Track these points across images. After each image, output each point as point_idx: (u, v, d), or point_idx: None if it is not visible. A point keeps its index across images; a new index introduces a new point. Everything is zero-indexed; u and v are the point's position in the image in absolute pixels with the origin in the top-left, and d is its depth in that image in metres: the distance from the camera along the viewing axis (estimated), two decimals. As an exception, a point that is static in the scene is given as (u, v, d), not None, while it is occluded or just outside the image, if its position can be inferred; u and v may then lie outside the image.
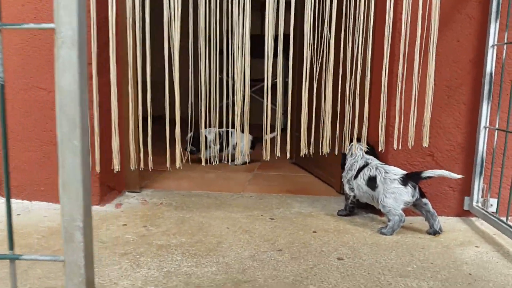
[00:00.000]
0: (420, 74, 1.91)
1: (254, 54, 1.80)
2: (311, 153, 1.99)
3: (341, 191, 2.44)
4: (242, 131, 1.87)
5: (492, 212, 1.93)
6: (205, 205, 2.21)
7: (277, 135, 1.80)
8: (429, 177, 1.77)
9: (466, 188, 2.02)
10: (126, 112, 2.06)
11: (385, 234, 1.80)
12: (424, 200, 1.81)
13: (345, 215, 2.05)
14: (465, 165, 2.01)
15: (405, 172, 1.85)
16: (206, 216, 2.04)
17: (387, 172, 1.86)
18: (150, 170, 2.05)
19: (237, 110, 1.89)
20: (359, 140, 1.97)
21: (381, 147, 1.93)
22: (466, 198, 2.02)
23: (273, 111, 1.82)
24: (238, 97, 1.87)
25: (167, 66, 1.84)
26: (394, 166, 2.04)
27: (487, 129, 1.93)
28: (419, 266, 1.54)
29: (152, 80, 1.97)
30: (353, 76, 1.87)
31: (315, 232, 1.86)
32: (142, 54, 1.93)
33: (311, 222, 1.97)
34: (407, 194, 1.78)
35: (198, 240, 1.76)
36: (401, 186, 1.79)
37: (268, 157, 1.98)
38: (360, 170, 1.96)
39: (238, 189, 2.52)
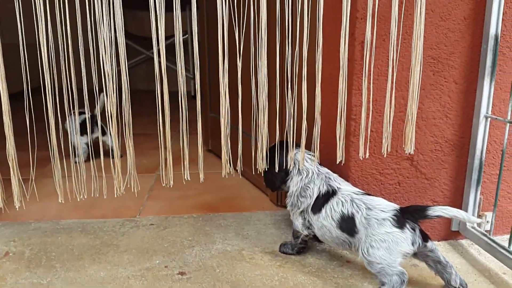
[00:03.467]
0: (400, 39, 1.24)
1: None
2: (237, 169, 1.28)
3: (278, 202, 1.77)
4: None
5: (486, 231, 1.39)
6: (76, 253, 1.40)
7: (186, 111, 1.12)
8: (438, 217, 1.13)
9: (455, 201, 1.45)
10: None
11: None
12: (429, 244, 1.14)
13: (291, 254, 1.39)
14: (455, 171, 1.42)
15: (396, 206, 1.18)
16: (75, 280, 1.25)
17: (369, 208, 1.17)
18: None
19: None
20: (297, 146, 1.29)
21: (339, 156, 1.25)
22: (456, 216, 1.45)
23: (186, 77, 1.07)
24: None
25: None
26: (358, 177, 1.40)
27: (489, 119, 1.34)
28: None
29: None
30: (297, 45, 1.14)
31: (252, 300, 1.17)
32: None
33: (244, 275, 1.28)
34: (405, 241, 1.12)
35: None
36: (396, 229, 1.13)
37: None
38: (322, 200, 1.26)
39: (132, 209, 1.73)
